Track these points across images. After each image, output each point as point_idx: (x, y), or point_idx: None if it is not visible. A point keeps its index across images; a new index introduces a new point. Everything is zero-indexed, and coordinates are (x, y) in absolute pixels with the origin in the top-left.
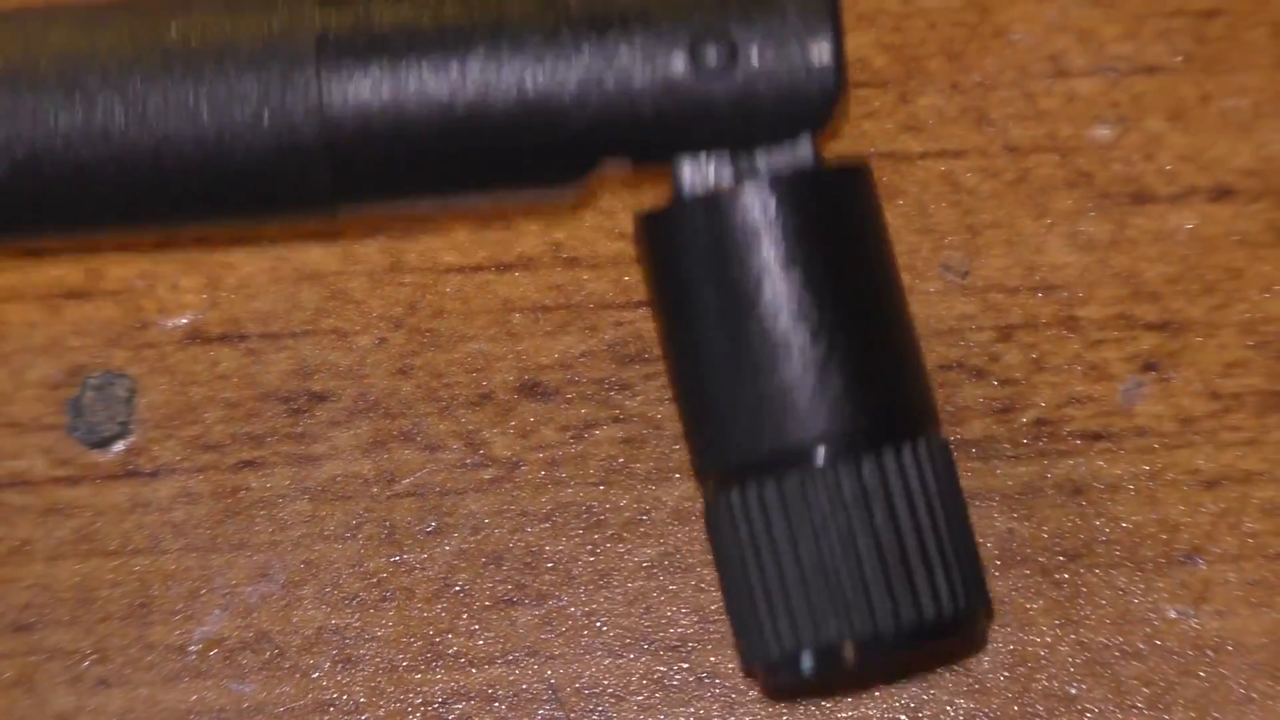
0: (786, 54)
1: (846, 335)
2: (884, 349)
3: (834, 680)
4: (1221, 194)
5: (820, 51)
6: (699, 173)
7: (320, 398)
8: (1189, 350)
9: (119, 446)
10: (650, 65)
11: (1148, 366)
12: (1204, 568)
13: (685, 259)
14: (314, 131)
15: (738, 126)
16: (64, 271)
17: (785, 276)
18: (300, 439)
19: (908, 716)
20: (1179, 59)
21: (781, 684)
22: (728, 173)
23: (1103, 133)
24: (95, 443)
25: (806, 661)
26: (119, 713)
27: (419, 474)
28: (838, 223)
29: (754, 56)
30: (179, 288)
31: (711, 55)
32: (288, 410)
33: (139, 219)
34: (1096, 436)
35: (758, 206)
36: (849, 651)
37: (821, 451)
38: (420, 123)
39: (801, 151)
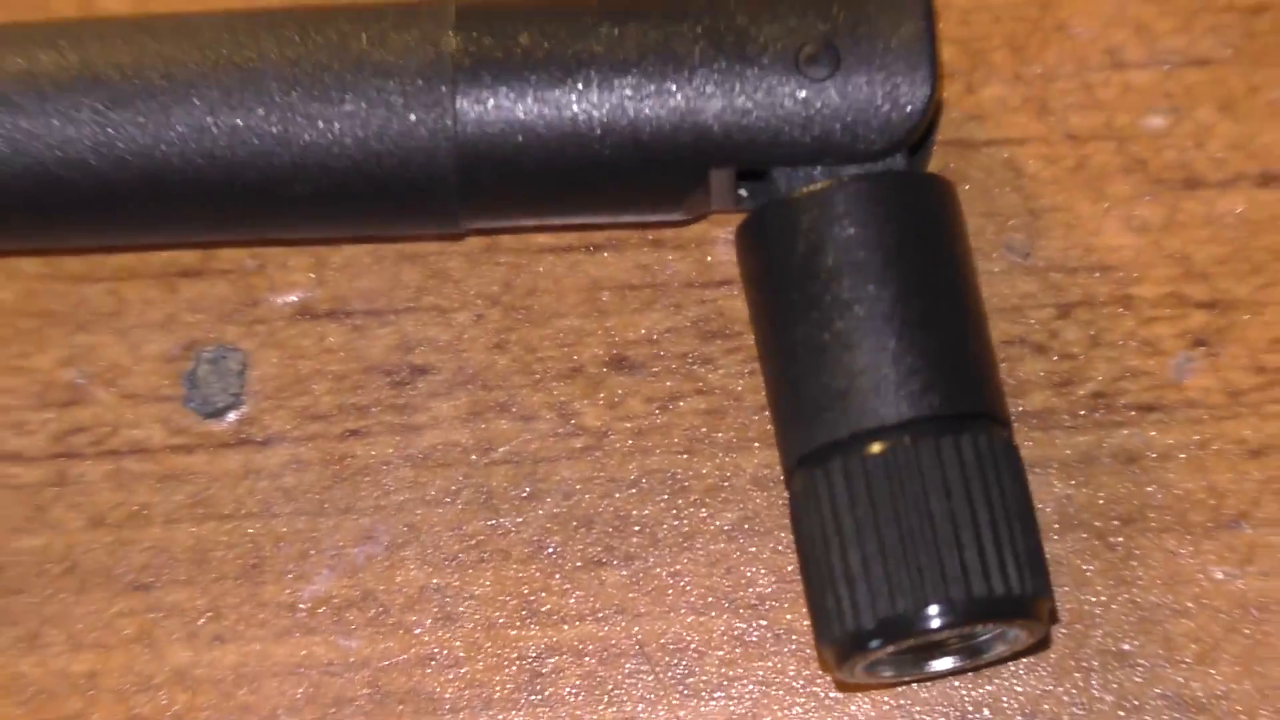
0: (886, 84)
1: (928, 330)
2: (962, 345)
3: (900, 659)
4: (1268, 180)
5: (916, 85)
6: (796, 180)
7: (421, 371)
8: (1236, 327)
9: (231, 417)
10: (765, 87)
11: (1198, 342)
12: (1249, 532)
13: (781, 255)
14: (446, 149)
15: (836, 145)
16: (179, 252)
17: (872, 273)
18: (402, 410)
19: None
20: (1229, 52)
21: (849, 666)
22: (817, 182)
23: (1156, 122)
24: (209, 413)
25: (876, 640)
26: (233, 666)
27: (514, 443)
28: (920, 227)
29: (856, 84)
30: (288, 267)
31: (819, 79)
32: (391, 382)
33: (269, 224)
34: (1150, 408)
35: (846, 207)
36: (916, 625)
37: (902, 434)
38: (549, 143)
39: (892, 164)
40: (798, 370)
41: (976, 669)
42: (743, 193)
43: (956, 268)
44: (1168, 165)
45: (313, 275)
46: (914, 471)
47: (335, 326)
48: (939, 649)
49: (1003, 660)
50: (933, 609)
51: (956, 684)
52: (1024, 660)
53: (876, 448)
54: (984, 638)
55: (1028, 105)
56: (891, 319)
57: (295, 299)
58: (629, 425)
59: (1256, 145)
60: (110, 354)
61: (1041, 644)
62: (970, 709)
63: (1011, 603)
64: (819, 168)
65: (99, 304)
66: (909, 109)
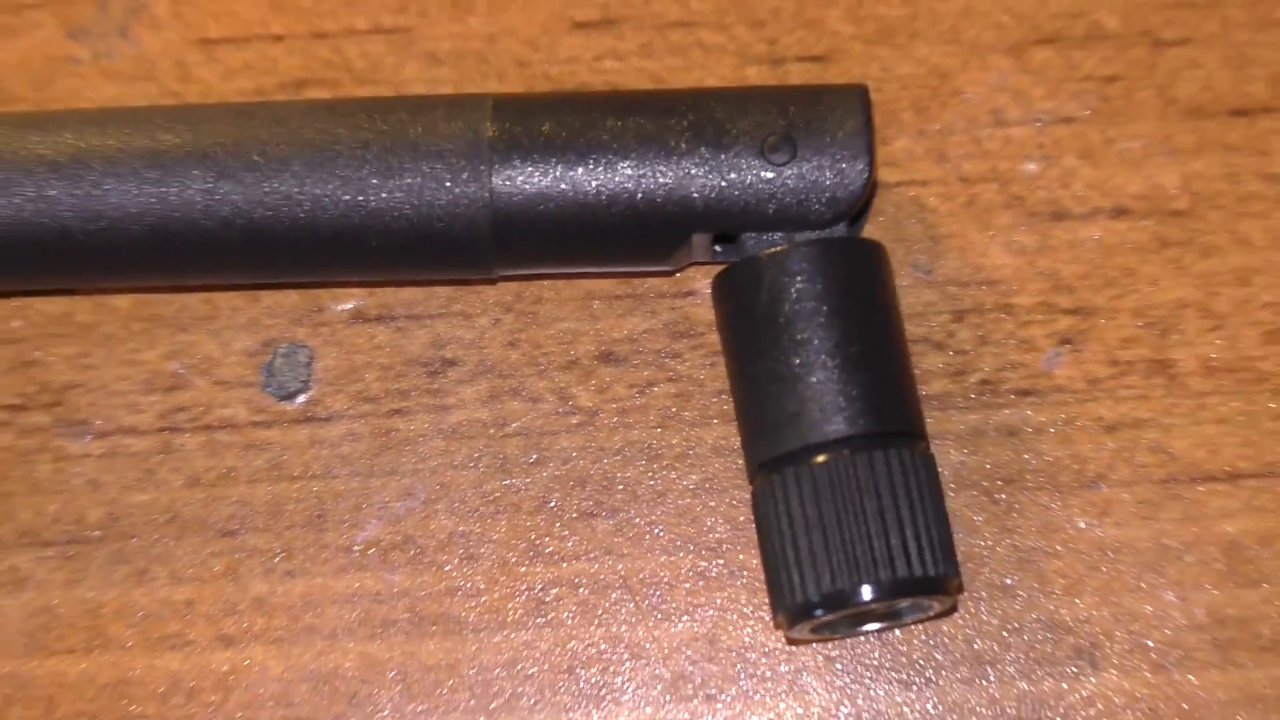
0: (833, 169)
1: (863, 365)
2: (890, 377)
3: (838, 624)
4: (1120, 213)
5: (856, 170)
6: (760, 243)
7: (450, 363)
8: (1095, 329)
9: (301, 399)
10: (737, 169)
11: (1064, 341)
12: (1105, 491)
13: (748, 304)
14: (484, 213)
15: (792, 216)
16: None
17: (820, 319)
18: (436, 394)
19: None
20: (1088, 112)
21: (800, 625)
22: (775, 245)
23: (1031, 167)
24: (283, 396)
25: (819, 610)
26: (301, 595)
27: (523, 420)
28: (858, 282)
29: (809, 168)
30: (346, 283)
31: (780, 164)
32: (426, 372)
33: (339, 272)
34: (1026, 393)
35: (800, 266)
36: (865, 597)
37: (842, 448)
38: (565, 212)
39: (836, 231)
40: (760, 395)
41: (897, 629)
42: (717, 249)
43: (886, 314)
44: (1040, 201)
45: (365, 289)
46: (851, 478)
47: (383, 328)
48: (869, 616)
49: (919, 623)
50: (865, 588)
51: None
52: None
53: (822, 458)
54: (904, 607)
55: (929, 154)
56: (835, 356)
57: (351, 306)
58: (614, 405)
59: (1110, 185)
60: (204, 349)
61: (950, 610)
62: (900, 647)
63: (927, 582)
64: (779, 234)
65: (196, 310)
66: (850, 188)
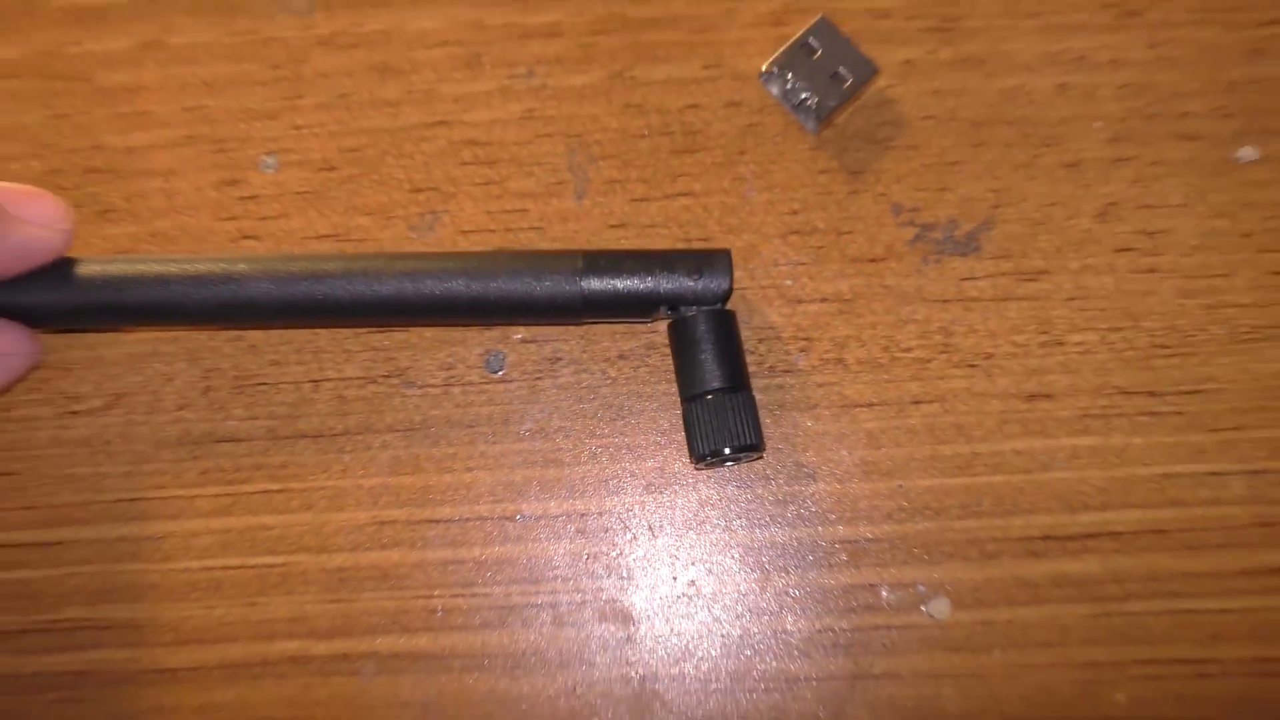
0: (716, 278)
1: (726, 359)
2: (738, 365)
3: (715, 462)
4: (825, 299)
5: (725, 284)
6: (682, 313)
7: (555, 359)
8: (813, 344)
9: (501, 373)
10: (680, 282)
11: (801, 350)
12: (816, 412)
13: (683, 340)
14: (579, 299)
15: (700, 299)
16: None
17: (710, 342)
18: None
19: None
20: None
21: (701, 463)
22: (693, 311)
23: (789, 282)
24: (493, 371)
25: (709, 456)
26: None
27: (578, 386)
28: (728, 330)
29: (708, 282)
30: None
31: (698, 280)
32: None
33: (489, 322)
34: (785, 371)
35: (704, 323)
36: (726, 450)
37: (719, 392)
38: (616, 297)
39: (717, 306)
40: (686, 371)
41: (740, 463)
42: (668, 312)
43: (736, 341)
44: (795, 297)
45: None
46: (722, 404)
47: (535, 345)
48: (729, 459)
49: (749, 462)
50: (726, 448)
51: (730, 465)
52: (755, 464)
53: (709, 396)
54: (742, 456)
55: (748, 276)
56: (716, 355)
57: (519, 337)
58: (627, 375)
59: (826, 289)
60: (462, 354)
61: (759, 457)
62: (738, 473)
63: (753, 445)
64: (695, 308)
65: (454, 335)
66: (724, 290)
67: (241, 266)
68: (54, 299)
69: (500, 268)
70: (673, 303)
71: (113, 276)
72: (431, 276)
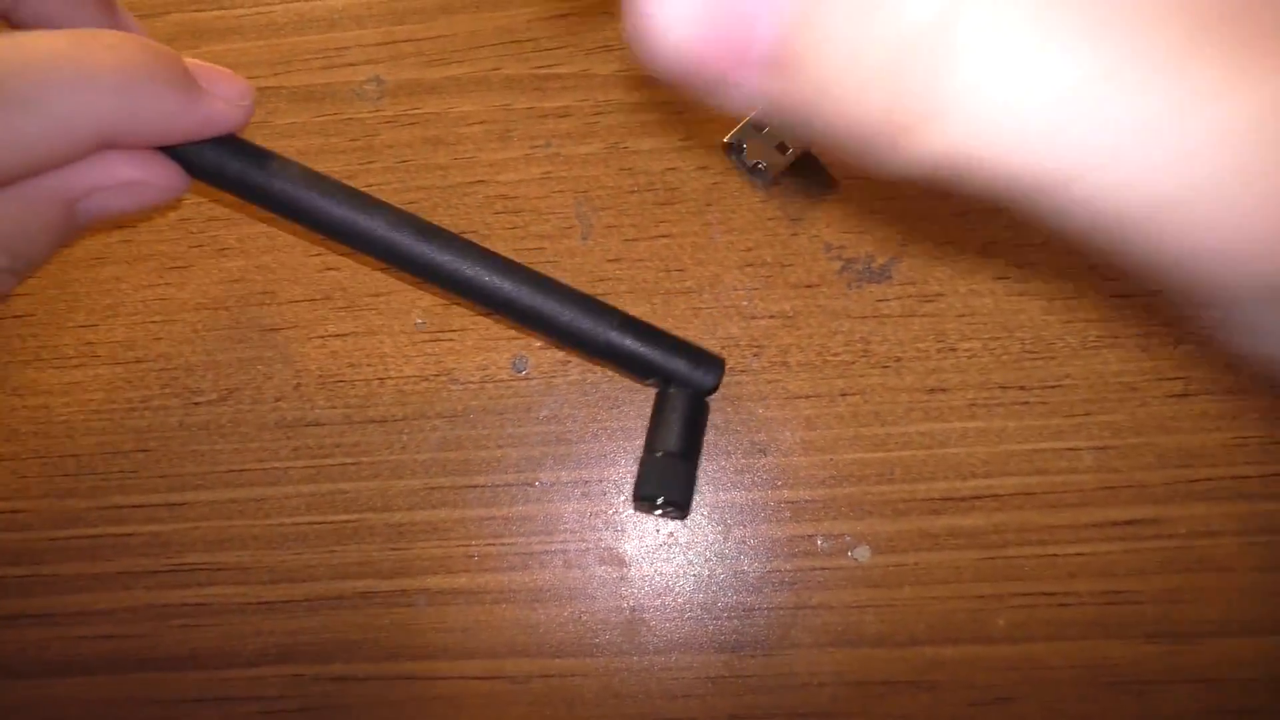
0: (708, 375)
1: (692, 432)
2: (697, 433)
3: (652, 506)
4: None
5: (716, 378)
6: (670, 388)
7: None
8: (764, 353)
9: (524, 371)
10: (685, 370)
11: (753, 355)
12: (768, 404)
13: (660, 406)
14: (602, 344)
15: (686, 385)
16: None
17: (680, 422)
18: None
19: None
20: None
21: (639, 504)
22: (684, 392)
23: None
24: (518, 371)
25: (647, 501)
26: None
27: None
28: (698, 414)
29: (701, 375)
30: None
31: (697, 371)
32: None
33: (512, 323)
34: (744, 371)
35: (682, 400)
36: (659, 499)
37: (669, 454)
38: (629, 355)
39: (708, 392)
40: (653, 434)
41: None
42: (661, 382)
43: (702, 429)
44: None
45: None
46: (673, 466)
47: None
48: (658, 508)
49: (675, 519)
50: (660, 498)
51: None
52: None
53: (664, 455)
54: (671, 510)
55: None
56: (683, 433)
57: (538, 346)
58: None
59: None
60: (498, 359)
61: (683, 517)
62: (706, 449)
63: (682, 507)
64: (684, 387)
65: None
66: (710, 385)
67: (380, 209)
68: (221, 162)
69: (560, 296)
70: (667, 378)
71: (270, 164)
72: (511, 280)
